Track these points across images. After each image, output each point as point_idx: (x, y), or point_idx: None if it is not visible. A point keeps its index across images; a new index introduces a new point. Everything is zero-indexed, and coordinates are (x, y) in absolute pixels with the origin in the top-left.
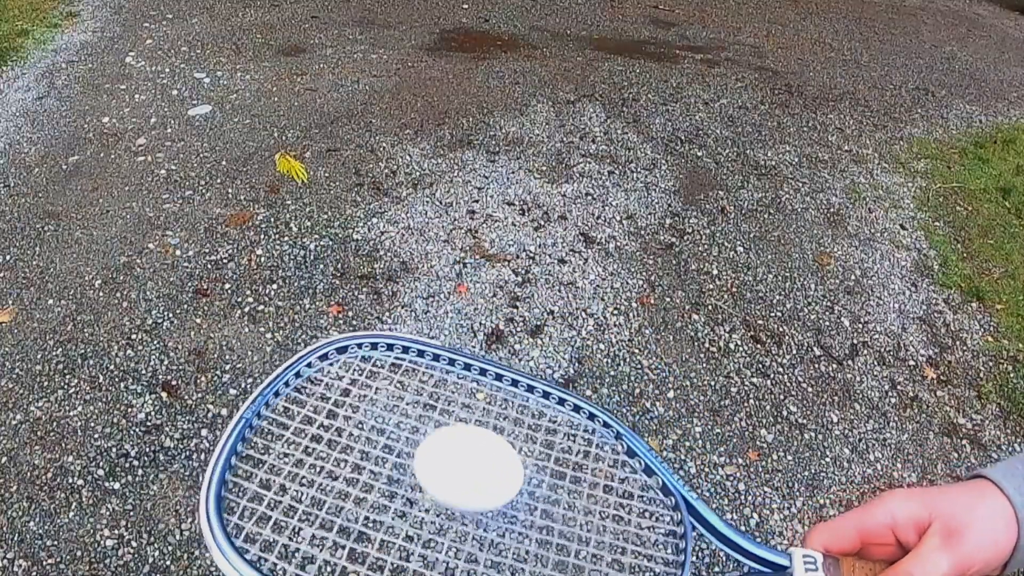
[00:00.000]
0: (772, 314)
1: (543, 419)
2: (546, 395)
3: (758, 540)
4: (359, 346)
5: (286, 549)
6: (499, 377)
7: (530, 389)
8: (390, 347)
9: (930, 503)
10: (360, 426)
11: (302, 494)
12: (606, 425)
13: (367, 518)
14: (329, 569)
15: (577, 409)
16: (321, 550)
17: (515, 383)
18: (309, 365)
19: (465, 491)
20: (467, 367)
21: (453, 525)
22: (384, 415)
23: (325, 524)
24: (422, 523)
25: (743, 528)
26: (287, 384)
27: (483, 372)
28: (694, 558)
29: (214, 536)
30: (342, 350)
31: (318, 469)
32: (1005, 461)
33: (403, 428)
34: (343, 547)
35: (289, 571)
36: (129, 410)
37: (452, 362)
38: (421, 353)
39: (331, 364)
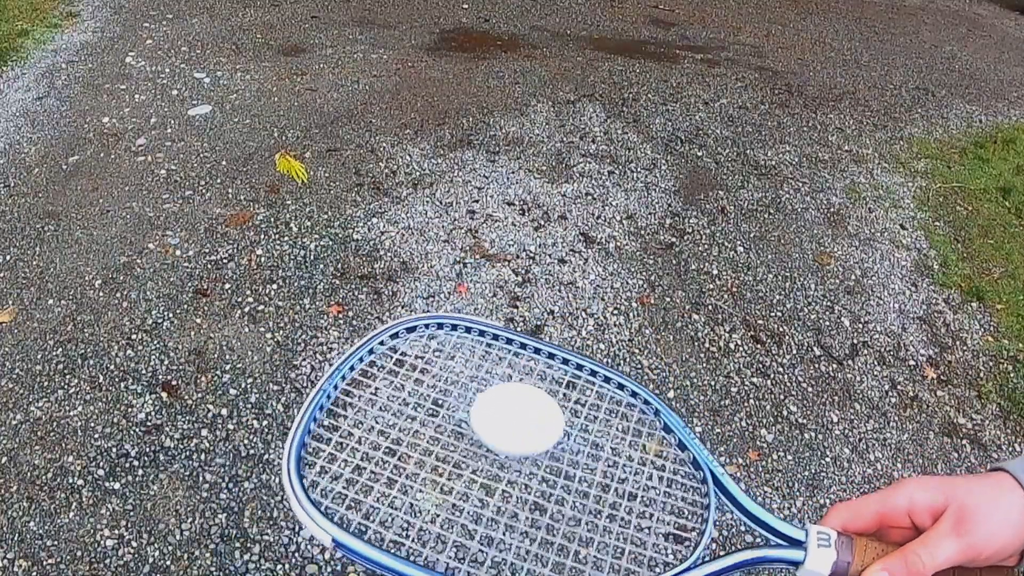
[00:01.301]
0: (772, 314)
1: (589, 394)
2: (593, 373)
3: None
4: (426, 326)
5: (356, 502)
6: (551, 356)
7: (579, 367)
8: (454, 327)
9: (948, 490)
10: (423, 396)
11: (373, 455)
12: (646, 402)
13: (425, 478)
14: (391, 517)
15: (621, 387)
16: (386, 503)
17: (566, 361)
18: (381, 343)
19: (515, 438)
20: (523, 346)
21: (507, 475)
22: (447, 387)
23: (391, 481)
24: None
25: (742, 528)
26: (361, 360)
27: (537, 351)
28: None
29: (294, 491)
30: (411, 329)
31: (387, 435)
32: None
33: (465, 394)
34: (406, 502)
35: (355, 519)
36: (129, 410)
37: (509, 341)
38: (482, 333)
39: (401, 341)
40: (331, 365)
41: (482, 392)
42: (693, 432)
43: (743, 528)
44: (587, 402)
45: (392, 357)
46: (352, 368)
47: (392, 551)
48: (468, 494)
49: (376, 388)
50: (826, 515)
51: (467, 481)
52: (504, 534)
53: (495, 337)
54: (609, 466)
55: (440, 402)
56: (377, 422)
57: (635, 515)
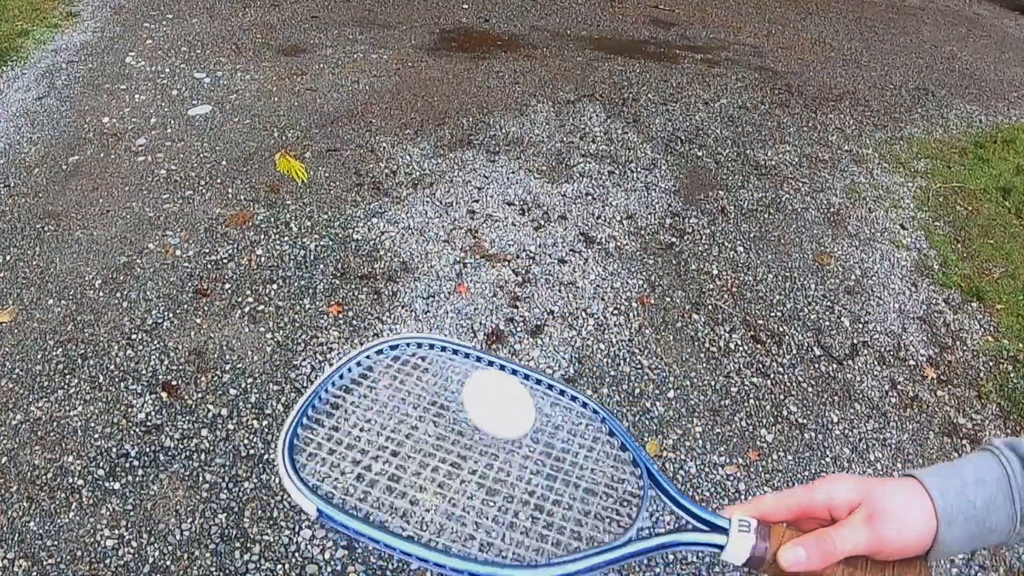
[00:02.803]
0: (772, 314)
1: (546, 402)
2: (550, 387)
3: (705, 506)
4: (407, 344)
5: (338, 481)
6: (514, 372)
7: (538, 383)
8: (431, 346)
9: (865, 490)
10: (403, 401)
11: (359, 442)
12: (595, 411)
13: (401, 466)
14: (370, 488)
15: (573, 399)
16: (365, 479)
17: (527, 377)
18: (368, 357)
19: (502, 422)
20: (489, 363)
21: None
22: (423, 394)
23: (371, 466)
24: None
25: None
26: (350, 369)
27: (502, 368)
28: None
29: (287, 470)
30: (394, 347)
31: (368, 428)
32: (937, 466)
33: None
34: (388, 478)
35: (336, 495)
36: (129, 410)
37: (478, 359)
38: (455, 352)
39: (385, 357)
40: (327, 368)
41: (469, 379)
42: (633, 436)
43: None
44: (545, 411)
45: (376, 368)
46: (342, 376)
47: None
48: (440, 473)
49: (364, 394)
50: (750, 502)
51: (445, 462)
52: (465, 509)
53: (466, 355)
54: (560, 461)
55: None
56: (370, 420)
57: (578, 501)
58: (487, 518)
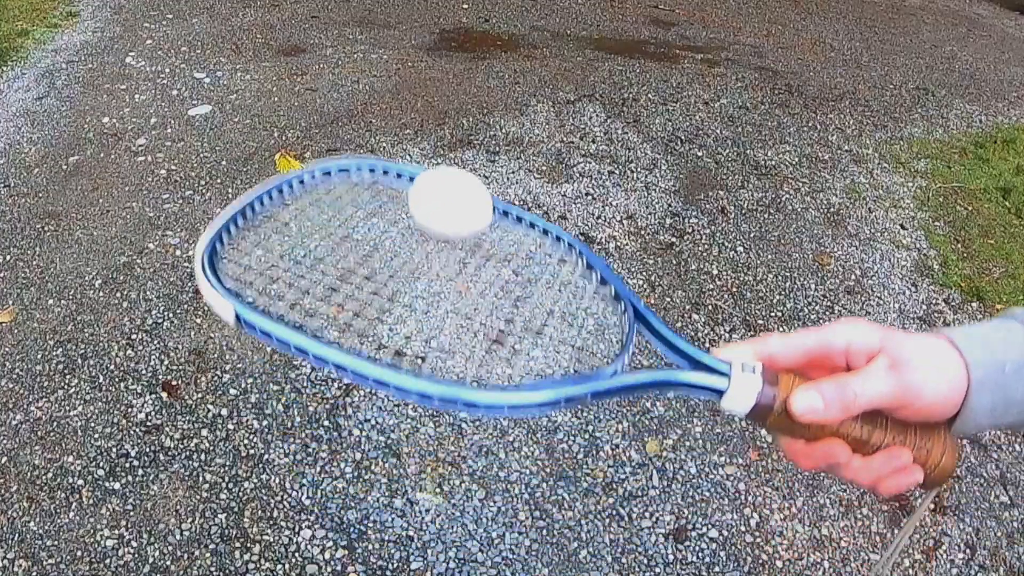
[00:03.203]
0: (772, 314)
1: (516, 237)
2: (519, 220)
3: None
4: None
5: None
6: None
7: (505, 214)
8: (372, 170)
9: (887, 337)
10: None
11: (288, 252)
12: (569, 245)
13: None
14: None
15: (545, 232)
16: (298, 288)
17: (505, 213)
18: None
19: (449, 219)
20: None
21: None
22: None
23: (306, 276)
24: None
25: (742, 528)
26: (290, 185)
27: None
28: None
29: (205, 273)
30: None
31: (301, 237)
32: (966, 325)
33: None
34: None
35: (256, 296)
36: (129, 410)
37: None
38: (400, 175)
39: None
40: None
41: (417, 178)
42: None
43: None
44: (514, 241)
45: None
46: (281, 191)
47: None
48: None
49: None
50: (752, 341)
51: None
52: (418, 328)
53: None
54: (530, 288)
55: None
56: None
57: (552, 328)
58: (444, 339)
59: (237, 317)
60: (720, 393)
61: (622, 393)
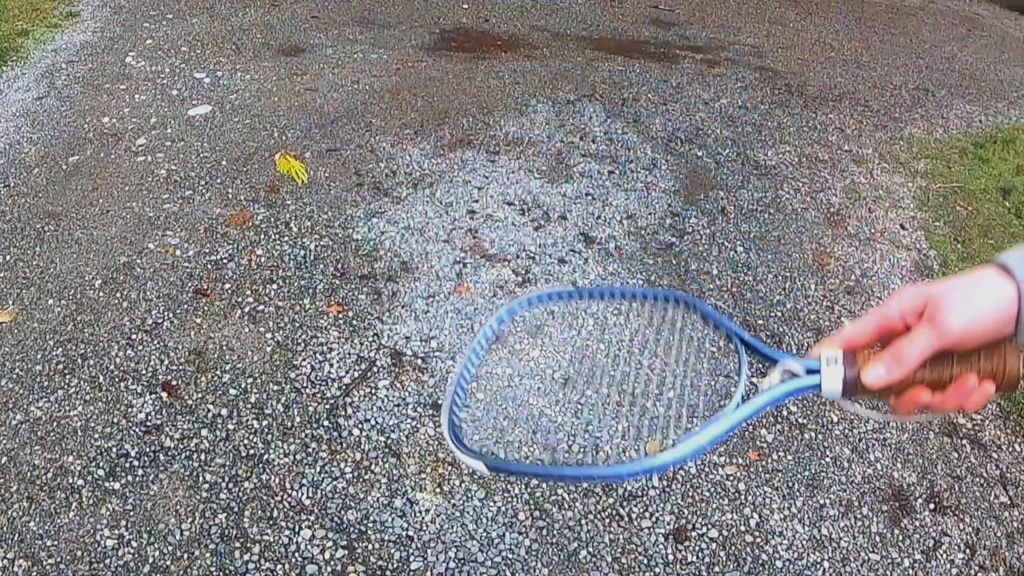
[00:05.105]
0: (772, 314)
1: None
2: (645, 295)
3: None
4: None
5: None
6: (612, 295)
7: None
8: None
9: (927, 291)
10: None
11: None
12: (687, 303)
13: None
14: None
15: (666, 298)
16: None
17: (623, 294)
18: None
19: None
20: (602, 296)
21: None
22: None
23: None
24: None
25: (742, 528)
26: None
27: (623, 295)
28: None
29: (453, 445)
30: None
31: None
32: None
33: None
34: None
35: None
36: (129, 410)
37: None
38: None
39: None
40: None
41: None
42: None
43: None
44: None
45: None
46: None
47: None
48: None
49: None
50: (834, 335)
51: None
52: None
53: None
54: (659, 354)
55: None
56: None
57: (690, 374)
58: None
59: (488, 467)
60: (818, 386)
61: (748, 420)
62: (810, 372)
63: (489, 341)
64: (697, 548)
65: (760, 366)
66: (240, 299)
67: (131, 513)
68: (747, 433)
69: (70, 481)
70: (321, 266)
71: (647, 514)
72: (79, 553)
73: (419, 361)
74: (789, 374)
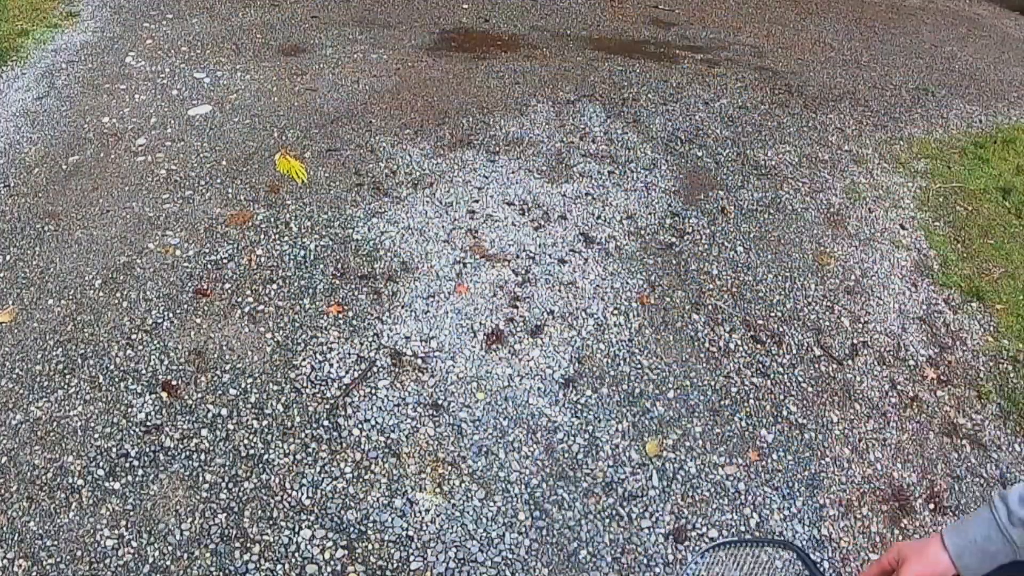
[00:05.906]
0: (772, 314)
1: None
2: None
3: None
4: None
5: None
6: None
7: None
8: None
9: (902, 549)
10: None
11: None
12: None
13: None
14: None
15: (785, 546)
16: None
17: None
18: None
19: None
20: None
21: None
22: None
23: None
24: None
25: (742, 528)
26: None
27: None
28: None
29: None
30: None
31: None
32: (960, 519)
33: None
34: None
35: None
36: (129, 410)
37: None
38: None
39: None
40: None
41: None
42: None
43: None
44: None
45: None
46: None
47: None
48: None
49: None
50: None
51: None
52: None
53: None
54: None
55: None
56: None
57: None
58: None
59: None
60: None
61: None
62: None
63: None
64: (697, 548)
65: None
66: (240, 299)
67: (131, 513)
68: (747, 433)
69: (70, 481)
70: (321, 266)
71: (647, 514)
72: (79, 553)
73: (419, 361)
74: None
